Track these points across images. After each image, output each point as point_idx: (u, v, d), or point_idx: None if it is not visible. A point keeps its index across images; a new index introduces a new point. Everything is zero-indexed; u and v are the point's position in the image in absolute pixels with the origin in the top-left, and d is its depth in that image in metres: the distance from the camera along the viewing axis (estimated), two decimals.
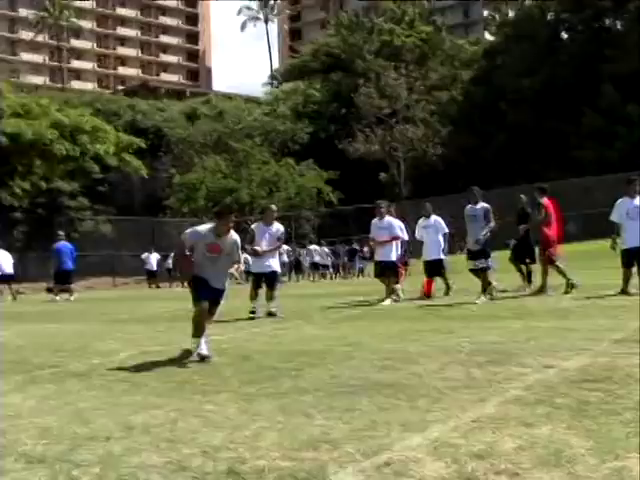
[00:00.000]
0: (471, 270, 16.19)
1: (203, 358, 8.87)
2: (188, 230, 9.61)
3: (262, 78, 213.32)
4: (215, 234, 9.26)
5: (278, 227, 15.81)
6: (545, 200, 17.28)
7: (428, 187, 58.30)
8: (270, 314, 15.12)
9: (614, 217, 15.84)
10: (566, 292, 16.37)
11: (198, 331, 9.08)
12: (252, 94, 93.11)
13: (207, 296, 9.21)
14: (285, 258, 41.84)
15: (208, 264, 9.28)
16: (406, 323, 12.19)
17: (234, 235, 9.48)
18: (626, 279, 15.47)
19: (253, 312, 15.16)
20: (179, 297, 27.64)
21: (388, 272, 17.59)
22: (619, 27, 69.36)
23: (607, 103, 59.43)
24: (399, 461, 4.42)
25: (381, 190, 63.07)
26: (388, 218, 17.71)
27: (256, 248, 15.32)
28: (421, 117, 66.76)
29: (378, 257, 18.03)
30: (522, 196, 18.52)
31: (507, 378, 6.70)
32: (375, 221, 17.89)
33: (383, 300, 17.15)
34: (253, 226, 16.08)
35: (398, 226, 18.35)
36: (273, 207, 16.60)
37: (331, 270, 46.79)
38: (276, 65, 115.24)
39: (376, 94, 65.64)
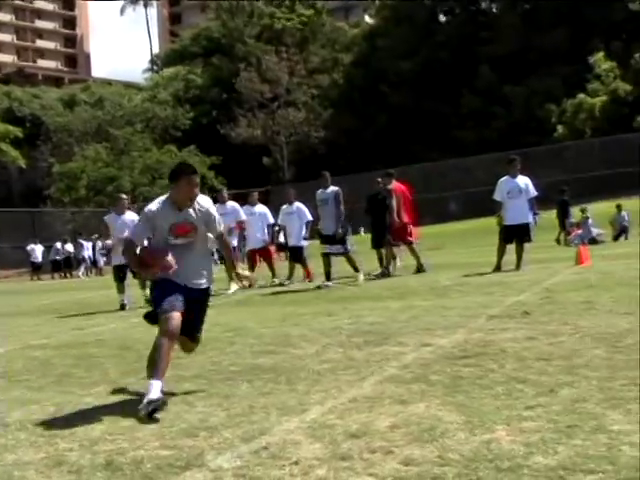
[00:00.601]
0: (323, 254, 16.22)
1: (152, 412, 5.44)
2: (135, 227, 6.58)
3: (142, 64, 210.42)
4: (175, 207, 6.22)
5: (132, 216, 15.42)
6: (394, 185, 17.53)
7: (311, 170, 58.24)
8: (148, 301, 14.93)
9: (497, 196, 16.30)
10: (417, 272, 17.06)
11: (157, 366, 5.80)
12: (132, 80, 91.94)
13: (178, 304, 6.01)
14: None
15: (177, 256, 6.14)
16: (289, 307, 12.26)
17: (203, 200, 6.40)
18: (500, 255, 15.94)
19: (123, 306, 14.96)
20: (62, 288, 27.24)
21: None
22: (494, 10, 70.85)
23: (484, 84, 60.70)
24: (276, 444, 4.48)
25: (264, 174, 63.15)
26: (231, 203, 17.65)
27: (107, 242, 15.17)
28: (303, 101, 66.94)
29: None
30: (379, 180, 18.50)
31: (385, 358, 6.82)
32: (217, 207, 17.74)
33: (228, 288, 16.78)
34: (105, 218, 15.82)
35: (263, 212, 18.39)
36: (123, 196, 16.35)
37: (216, 256, 46.55)
38: (156, 50, 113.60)
39: (257, 78, 65.50)
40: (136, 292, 15.22)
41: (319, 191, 16.44)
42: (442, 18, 73.29)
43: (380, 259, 17.81)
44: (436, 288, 13.26)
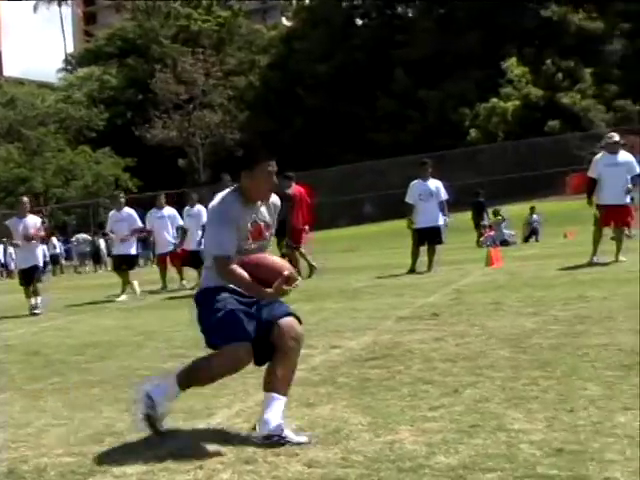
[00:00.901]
0: None
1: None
2: (213, 232, 4.77)
3: (56, 63, 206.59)
4: (248, 203, 4.78)
5: (35, 219, 15.21)
6: (293, 188, 17.42)
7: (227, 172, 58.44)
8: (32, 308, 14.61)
9: (408, 199, 16.49)
10: (309, 276, 16.88)
11: (189, 383, 4.89)
12: (46, 80, 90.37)
13: (250, 333, 4.59)
14: (57, 250, 41.45)
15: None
16: None
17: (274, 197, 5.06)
18: (415, 258, 16.15)
19: (34, 311, 14.68)
20: None
21: (125, 265, 16.98)
22: (410, 14, 71.69)
23: (400, 87, 61.33)
24: (182, 449, 4.45)
25: (180, 176, 62.77)
26: (127, 209, 17.20)
27: (16, 242, 14.93)
28: (219, 102, 66.84)
29: (116, 250, 17.46)
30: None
31: None
32: (113, 213, 17.49)
33: (119, 295, 16.37)
34: (7, 222, 15.53)
35: (172, 215, 18.12)
36: (24, 199, 16.02)
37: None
38: (70, 50, 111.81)
39: (173, 80, 65.12)
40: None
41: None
42: (358, 21, 73.86)
43: (290, 262, 17.68)
44: (347, 290, 13.34)
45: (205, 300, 4.81)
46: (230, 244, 4.61)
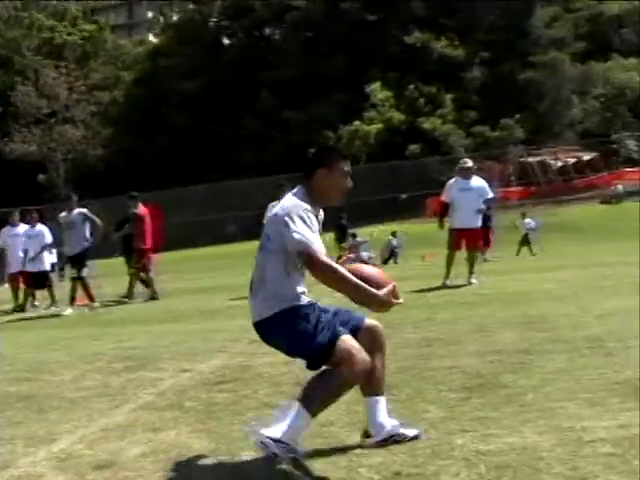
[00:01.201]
0: (72, 278, 15.71)
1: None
2: (304, 233, 4.18)
3: None
4: (314, 207, 4.43)
5: None
6: (140, 209, 17.15)
7: (89, 189, 57.37)
8: None
9: (266, 220, 16.44)
10: (150, 299, 16.66)
11: (321, 402, 4.32)
12: None
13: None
14: None
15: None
16: (50, 331, 11.96)
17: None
18: None
19: None
20: None
21: None
22: (277, 36, 72.25)
23: (264, 107, 61.62)
24: (20, 478, 4.36)
25: (40, 192, 61.29)
26: None
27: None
28: (81, 118, 65.72)
29: None
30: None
31: (142, 384, 6.77)
32: None
33: None
34: None
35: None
36: None
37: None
38: None
39: (35, 93, 63.76)
40: None
41: (63, 214, 15.84)
42: (226, 41, 73.99)
43: (143, 282, 17.39)
44: (205, 311, 13.26)
45: (286, 323, 4.47)
46: (320, 244, 4.19)
